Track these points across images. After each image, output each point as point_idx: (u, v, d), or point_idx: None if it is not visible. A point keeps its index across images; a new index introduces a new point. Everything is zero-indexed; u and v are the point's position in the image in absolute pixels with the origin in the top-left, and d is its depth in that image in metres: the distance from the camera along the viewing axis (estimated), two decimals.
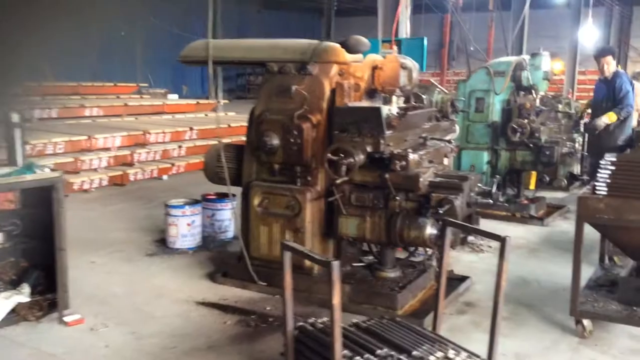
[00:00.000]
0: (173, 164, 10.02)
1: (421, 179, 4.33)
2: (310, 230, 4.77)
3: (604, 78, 8.21)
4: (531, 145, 7.57)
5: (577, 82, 14.65)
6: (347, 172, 4.12)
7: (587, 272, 4.89)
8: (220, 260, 5.71)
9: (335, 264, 2.64)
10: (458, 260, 5.90)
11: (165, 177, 10.10)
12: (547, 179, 9.27)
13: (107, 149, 9.35)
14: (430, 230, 4.33)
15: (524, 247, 6.57)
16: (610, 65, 8.00)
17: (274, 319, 4.39)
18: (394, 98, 4.58)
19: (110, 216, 7.64)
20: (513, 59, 7.99)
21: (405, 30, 10.27)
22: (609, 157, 4.28)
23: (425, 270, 5.07)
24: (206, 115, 13.54)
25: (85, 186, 8.82)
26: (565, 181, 9.56)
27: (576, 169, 10.13)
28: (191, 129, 10.46)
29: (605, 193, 4.16)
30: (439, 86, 5.07)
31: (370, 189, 4.56)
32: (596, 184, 4.27)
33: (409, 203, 4.51)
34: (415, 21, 21.09)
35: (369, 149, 4.14)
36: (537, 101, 7.64)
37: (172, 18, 19.44)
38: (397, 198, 4.38)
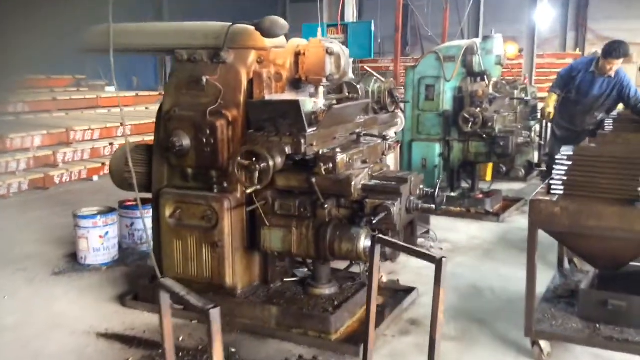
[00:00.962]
0: (104, 164, 9.22)
1: (353, 183, 3.75)
2: (230, 244, 4.14)
3: (598, 73, 7.03)
4: (484, 135, 7.07)
5: (536, 66, 14.27)
6: (260, 180, 3.50)
7: (545, 276, 4.40)
8: (136, 278, 5.03)
9: (215, 313, 2.02)
10: (405, 266, 5.36)
11: (95, 178, 9.31)
12: (504, 169, 8.85)
13: (25, 149, 8.51)
14: (364, 242, 3.76)
15: (478, 247, 6.08)
16: (618, 65, 6.94)
17: (186, 354, 3.75)
18: (321, 89, 3.97)
19: (23, 226, 6.86)
20: (463, 42, 7.46)
21: (352, 13, 9.67)
22: (566, 150, 3.75)
23: (365, 284, 4.47)
24: (147, 108, 12.71)
25: (2, 191, 7.98)
26: (523, 171, 9.17)
27: (535, 158, 9.74)
28: (122, 124, 9.66)
29: (561, 192, 3.64)
30: (375, 74, 4.45)
31: (297, 196, 3.96)
32: (551, 182, 3.75)
33: (340, 211, 3.93)
34: (370, 5, 20.55)
35: (288, 150, 3.53)
36: (490, 88, 7.12)
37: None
38: (326, 205, 3.78)
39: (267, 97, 3.83)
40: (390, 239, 2.91)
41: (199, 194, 4.21)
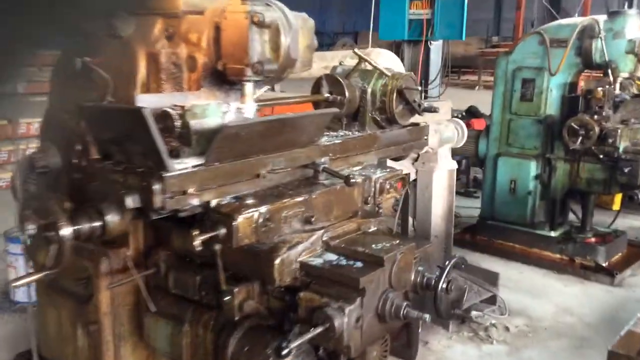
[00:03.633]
0: None
1: (277, 261, 2.07)
2: (111, 329, 2.64)
3: None
4: (602, 155, 4.93)
5: None
6: (58, 258, 1.93)
7: None
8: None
9: None
10: (444, 356, 3.53)
11: None
12: None
13: None
14: None
15: (570, 333, 4.06)
16: None
17: None
18: (248, 88, 2.29)
19: None
20: (579, 20, 5.29)
21: None
22: None
23: None
24: None
25: None
26: None
27: None
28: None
29: None
30: (374, 63, 2.67)
31: (200, 268, 2.35)
32: None
33: (263, 303, 2.25)
34: None
35: (131, 202, 1.91)
36: (617, 87, 4.95)
37: None
38: (229, 297, 2.14)
39: (107, 103, 2.23)
40: None
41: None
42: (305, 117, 2.25)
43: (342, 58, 4.73)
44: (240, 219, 2.01)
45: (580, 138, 4.91)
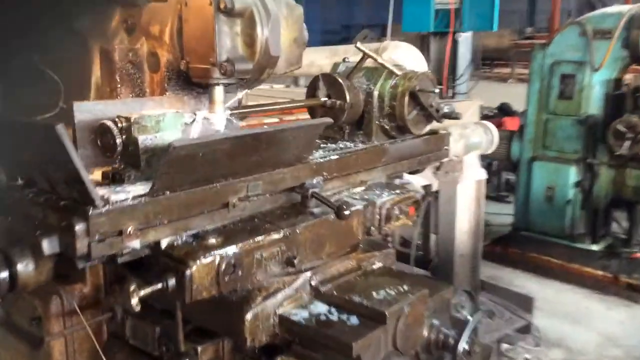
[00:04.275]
0: None
1: (249, 315, 1.61)
2: None
3: None
4: None
5: None
6: None
7: None
8: None
9: None
10: None
11: None
12: None
13: None
14: None
15: None
16: None
17: None
18: (217, 93, 1.83)
19: None
20: (625, 8, 4.70)
21: None
22: None
23: None
24: None
25: None
26: None
27: None
28: None
29: None
30: (381, 59, 2.17)
31: (161, 316, 1.91)
32: None
33: None
34: None
35: (48, 247, 1.46)
36: None
37: None
38: (198, 352, 1.69)
39: (88, 104, 1.80)
40: None
41: None
42: (286, 130, 1.78)
43: (353, 53, 4.24)
44: (196, 265, 1.56)
45: (628, 141, 4.34)
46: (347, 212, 1.75)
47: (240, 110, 1.96)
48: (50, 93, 2.28)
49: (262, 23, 1.79)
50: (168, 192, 1.60)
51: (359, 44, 2.22)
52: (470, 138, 3.58)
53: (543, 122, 5.06)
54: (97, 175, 1.76)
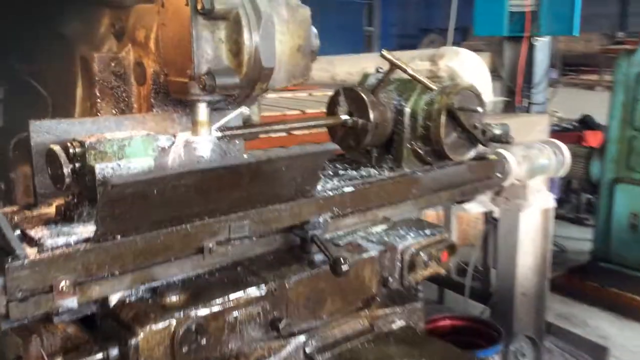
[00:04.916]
0: None
1: None
2: None
3: None
4: None
5: None
6: None
7: None
8: None
9: None
10: None
11: None
12: None
13: None
14: None
15: None
16: None
17: None
18: (200, 111, 1.52)
19: None
20: None
21: None
22: None
23: None
24: None
25: None
26: None
27: None
28: None
29: None
30: (411, 71, 1.79)
31: None
32: None
33: None
34: None
35: None
36: None
37: None
38: None
39: (50, 123, 1.53)
40: None
41: None
42: (276, 161, 1.44)
43: (409, 60, 3.84)
44: (144, 332, 1.24)
45: None
46: (344, 268, 1.39)
47: (232, 132, 1.64)
48: (40, 106, 2.06)
49: (250, 27, 1.47)
50: (119, 237, 1.30)
51: (384, 52, 1.85)
52: (536, 160, 3.10)
53: (627, 140, 4.48)
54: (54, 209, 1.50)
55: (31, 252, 1.25)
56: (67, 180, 1.37)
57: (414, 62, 3.74)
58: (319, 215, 1.63)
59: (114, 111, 1.80)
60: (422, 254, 1.71)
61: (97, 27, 1.89)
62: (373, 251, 1.63)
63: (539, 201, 3.20)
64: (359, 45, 16.29)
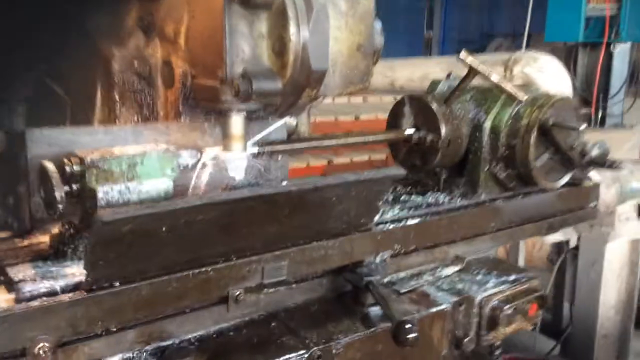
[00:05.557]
0: None
1: None
2: None
3: None
4: None
5: None
6: None
7: None
8: None
9: None
10: None
11: None
12: None
13: None
14: None
15: None
16: None
17: None
18: (233, 122, 1.21)
19: None
20: None
21: None
22: None
23: None
24: None
25: None
26: None
27: None
28: None
29: None
30: (499, 82, 1.43)
31: None
32: None
33: None
34: None
35: None
36: None
37: None
38: None
39: (51, 131, 1.26)
40: None
41: None
42: (327, 189, 1.11)
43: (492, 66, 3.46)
44: None
45: None
46: (411, 336, 1.05)
47: (272, 148, 1.33)
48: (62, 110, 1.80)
49: (298, 19, 1.15)
50: (118, 283, 1.00)
51: (463, 55, 1.51)
52: (626, 183, 2.68)
53: None
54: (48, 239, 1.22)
55: (5, 300, 0.97)
56: (60, 206, 1.08)
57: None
58: (376, 254, 1.30)
59: (135, 118, 1.52)
60: (507, 307, 1.36)
61: (123, 20, 1.61)
62: (444, 304, 1.29)
63: (629, 231, 2.78)
64: (418, 50, 15.81)
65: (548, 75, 3.14)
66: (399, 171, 1.21)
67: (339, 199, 1.16)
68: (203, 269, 1.08)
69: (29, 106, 1.89)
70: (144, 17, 1.55)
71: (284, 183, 1.05)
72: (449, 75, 1.84)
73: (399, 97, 1.68)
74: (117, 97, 1.50)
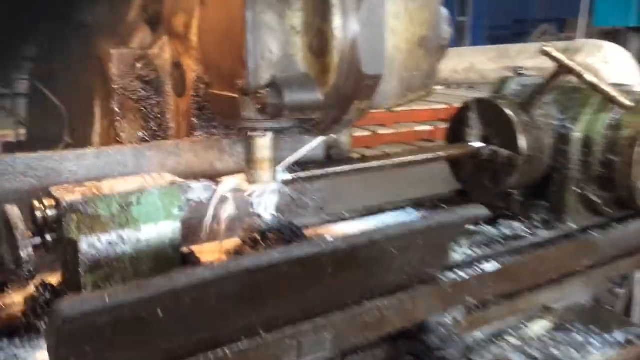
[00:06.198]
0: None
1: None
2: None
3: None
4: None
5: None
6: None
7: None
8: None
9: None
10: None
11: None
12: None
13: None
14: None
15: None
16: None
17: None
18: (259, 145, 0.90)
19: None
20: None
21: None
22: None
23: None
24: None
25: None
26: None
27: None
28: None
29: None
30: (593, 80, 1.10)
31: None
32: None
33: None
34: None
35: None
36: None
37: None
38: None
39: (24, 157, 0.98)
40: None
41: None
42: (385, 243, 0.81)
43: (531, 56, 3.10)
44: None
45: None
46: None
47: (308, 174, 1.02)
48: (53, 122, 1.53)
49: (344, 7, 0.84)
50: None
51: (546, 47, 1.18)
52: None
53: None
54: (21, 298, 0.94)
55: None
56: (27, 266, 0.80)
57: (523, 58, 2.99)
58: (444, 312, 1.00)
59: (140, 134, 1.23)
60: None
61: (124, 12, 1.33)
62: None
63: None
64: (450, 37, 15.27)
65: (615, 66, 2.77)
66: (480, 211, 0.90)
67: (400, 251, 0.86)
68: (219, 350, 0.79)
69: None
70: (148, 6, 1.26)
71: (329, 238, 0.75)
72: (518, 72, 1.50)
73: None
74: (116, 107, 1.21)
